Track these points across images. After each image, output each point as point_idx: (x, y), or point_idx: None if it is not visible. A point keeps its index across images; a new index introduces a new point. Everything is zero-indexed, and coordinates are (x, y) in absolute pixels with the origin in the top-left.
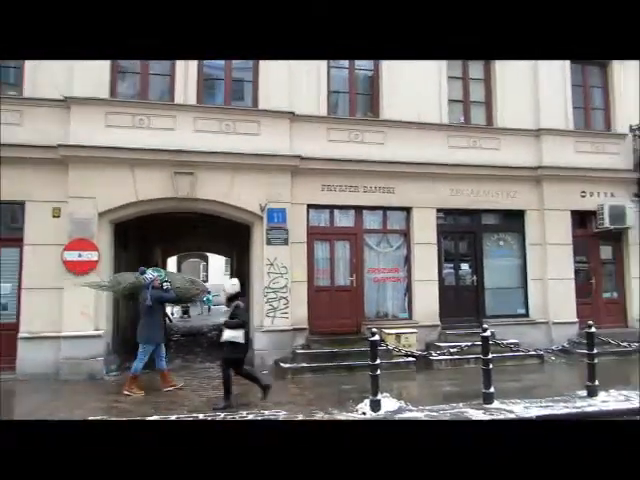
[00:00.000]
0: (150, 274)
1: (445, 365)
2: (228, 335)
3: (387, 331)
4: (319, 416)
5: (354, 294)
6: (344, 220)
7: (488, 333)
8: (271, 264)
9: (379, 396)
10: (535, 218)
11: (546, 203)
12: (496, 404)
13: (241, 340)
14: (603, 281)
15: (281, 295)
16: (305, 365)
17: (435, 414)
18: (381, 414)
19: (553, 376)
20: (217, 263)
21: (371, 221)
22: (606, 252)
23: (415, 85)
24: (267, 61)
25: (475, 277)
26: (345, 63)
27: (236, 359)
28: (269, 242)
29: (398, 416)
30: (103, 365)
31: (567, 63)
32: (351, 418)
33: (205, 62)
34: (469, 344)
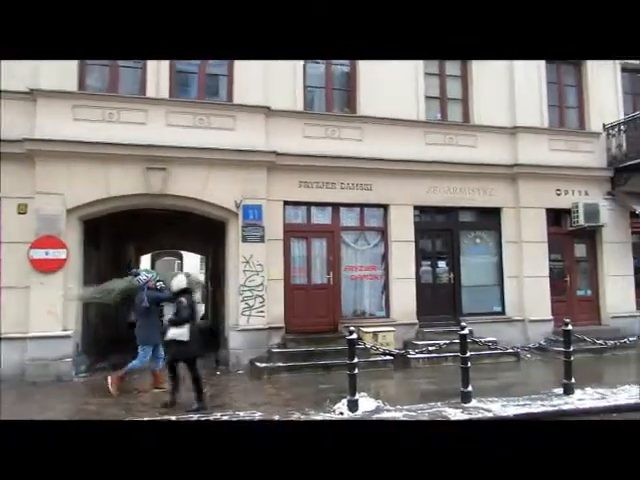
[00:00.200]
0: (144, 275)
1: (423, 363)
2: (172, 333)
3: (364, 329)
4: (295, 417)
5: (331, 292)
6: (321, 217)
7: (466, 331)
8: (247, 262)
9: (357, 396)
10: (511, 216)
11: (522, 201)
12: (474, 403)
13: (185, 338)
14: (577, 279)
15: (257, 293)
16: (281, 364)
17: (413, 414)
18: (359, 414)
19: (529, 374)
20: (192, 261)
21: (348, 218)
22: (580, 250)
23: (392, 81)
24: None
25: (452, 275)
26: None
27: (185, 358)
28: (245, 239)
29: (376, 416)
30: (72, 366)
31: (542, 61)
32: (329, 419)
33: None
34: (447, 342)
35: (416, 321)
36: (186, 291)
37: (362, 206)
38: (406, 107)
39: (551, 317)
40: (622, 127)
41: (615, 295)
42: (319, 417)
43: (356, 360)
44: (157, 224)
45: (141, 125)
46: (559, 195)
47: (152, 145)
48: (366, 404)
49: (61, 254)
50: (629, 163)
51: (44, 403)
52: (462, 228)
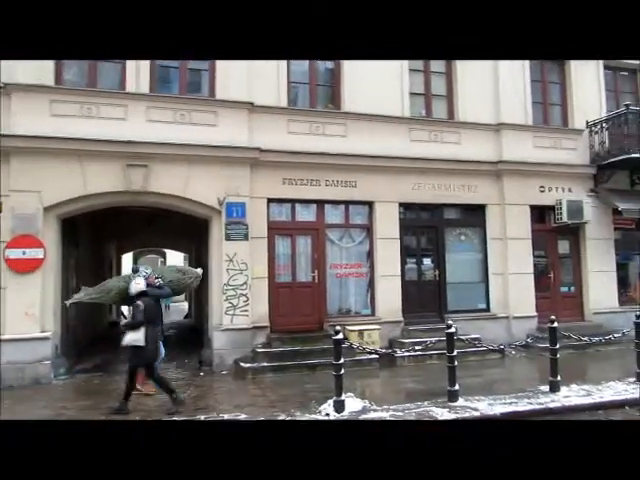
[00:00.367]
0: (143, 272)
1: (408, 361)
2: (128, 338)
3: (350, 328)
4: (281, 419)
5: (316, 290)
6: (306, 214)
7: (453, 329)
8: (230, 260)
9: (343, 396)
10: (496, 213)
11: (506, 198)
12: (461, 402)
13: (141, 343)
14: (561, 275)
15: (241, 292)
16: (266, 364)
17: (400, 414)
18: (345, 415)
19: (515, 371)
20: (175, 259)
21: (333, 215)
22: (564, 246)
23: (377, 77)
24: None
25: (437, 272)
26: None
27: (144, 364)
28: (228, 237)
29: (363, 417)
30: (51, 368)
31: None
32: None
33: None
34: (434, 340)
35: (401, 319)
36: (144, 294)
37: (347, 203)
38: (391, 103)
39: (535, 314)
40: (605, 124)
41: (598, 291)
42: (305, 419)
43: (342, 360)
44: (139, 222)
45: (121, 121)
46: (543, 192)
47: (132, 141)
48: (352, 404)
49: (38, 254)
50: (612, 160)
51: (19, 407)
52: (447, 225)
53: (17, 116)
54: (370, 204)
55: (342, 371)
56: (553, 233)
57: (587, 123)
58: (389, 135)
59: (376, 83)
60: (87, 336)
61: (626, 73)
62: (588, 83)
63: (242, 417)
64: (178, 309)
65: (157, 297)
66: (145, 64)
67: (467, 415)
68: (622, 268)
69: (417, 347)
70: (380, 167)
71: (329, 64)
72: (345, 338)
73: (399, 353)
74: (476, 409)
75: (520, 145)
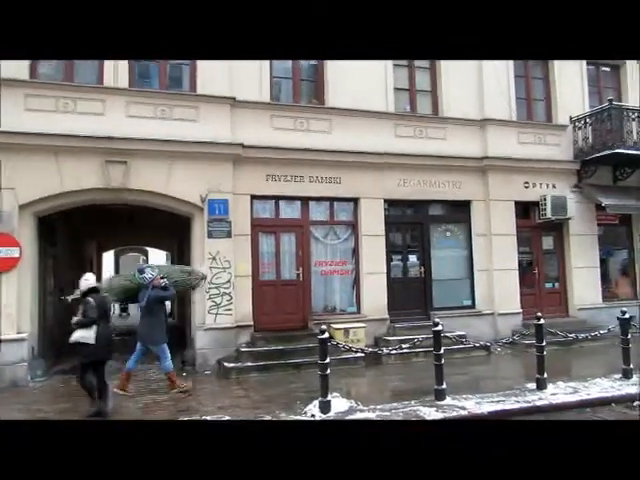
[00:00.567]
0: (150, 273)
1: (394, 360)
2: (77, 336)
3: (335, 326)
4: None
5: (301, 288)
6: (290, 211)
7: (440, 327)
8: (213, 258)
9: (329, 397)
10: (481, 209)
11: (491, 194)
12: (448, 400)
13: (91, 341)
14: (545, 271)
15: (224, 291)
16: (250, 364)
17: (387, 413)
18: (331, 415)
19: (501, 368)
20: (157, 258)
21: (318, 212)
22: (548, 242)
23: (361, 72)
24: None
25: (422, 269)
26: None
27: (91, 362)
28: (210, 235)
29: (349, 417)
30: (27, 371)
31: None
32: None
33: None
34: (421, 339)
35: (387, 316)
36: (94, 290)
37: (332, 200)
38: (375, 99)
39: (520, 310)
40: (588, 120)
41: (582, 287)
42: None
43: (328, 360)
44: (120, 220)
45: (99, 116)
46: (527, 188)
47: (111, 137)
48: (338, 405)
49: (14, 253)
50: (595, 156)
51: None
52: (432, 221)
53: None
54: (355, 200)
55: (328, 371)
56: (537, 229)
57: (571, 119)
58: (374, 131)
59: (360, 78)
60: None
61: (608, 69)
62: (571, 78)
63: (226, 419)
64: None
65: (161, 299)
66: None
67: (455, 414)
68: (604, 264)
69: (404, 345)
70: (365, 163)
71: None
72: (330, 337)
73: (385, 352)
74: (464, 408)
75: (505, 141)
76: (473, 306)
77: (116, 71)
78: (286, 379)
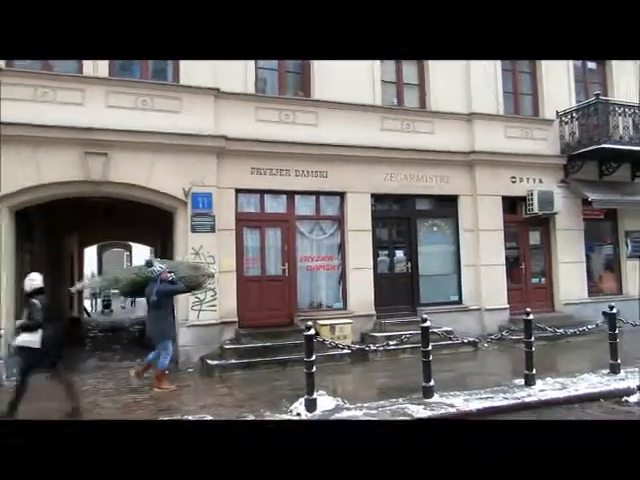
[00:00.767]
0: (158, 267)
1: (381, 356)
2: (21, 339)
3: (321, 322)
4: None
5: (286, 284)
6: (275, 206)
7: (428, 323)
8: (196, 253)
9: (315, 395)
10: (468, 203)
11: (478, 188)
12: (436, 398)
13: (36, 345)
14: (532, 266)
15: (208, 286)
16: (234, 361)
17: (374, 412)
18: (317, 414)
19: (488, 364)
20: (141, 253)
21: (304, 207)
22: (534, 237)
23: (347, 64)
24: None
25: (409, 264)
26: None
27: (36, 367)
28: (194, 229)
29: (336, 416)
30: (3, 369)
31: None
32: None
33: None
34: (409, 335)
35: (374, 312)
36: (40, 292)
37: (318, 194)
38: (362, 91)
39: (507, 305)
40: (575, 114)
41: (568, 282)
42: (274, 419)
43: (314, 357)
44: (101, 214)
45: (78, 106)
46: (514, 183)
47: (91, 128)
48: (325, 403)
49: None
50: (582, 150)
51: None
52: (419, 216)
53: None
54: (341, 195)
55: (314, 369)
56: (524, 224)
57: (557, 113)
58: (361, 124)
59: (347, 70)
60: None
61: (594, 64)
62: (558, 72)
63: (208, 419)
64: (143, 304)
65: (170, 293)
66: None
67: (443, 412)
68: (589, 259)
69: (391, 342)
70: (352, 157)
71: None
72: (316, 333)
73: (372, 348)
74: (452, 405)
75: (492, 135)
76: (460, 302)
77: (96, 60)
78: (271, 376)
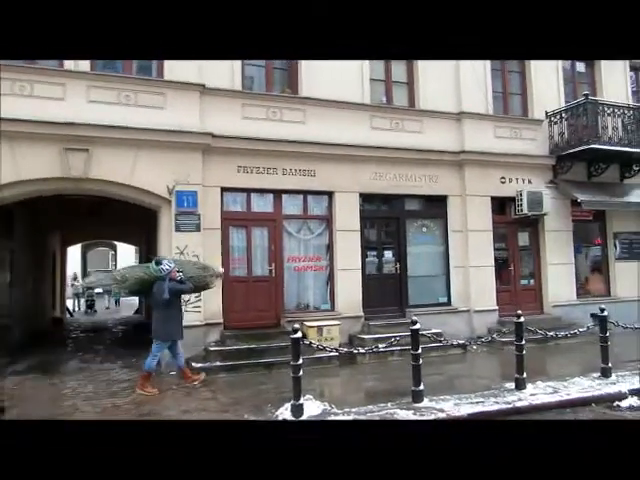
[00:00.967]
0: (167, 265)
1: (369, 359)
2: None
3: (308, 324)
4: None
5: (273, 285)
6: (262, 205)
7: (418, 326)
8: (181, 253)
9: (301, 399)
10: (457, 204)
11: (468, 188)
12: (426, 402)
13: None
14: (521, 267)
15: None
16: (219, 364)
17: (363, 417)
18: (303, 420)
19: (478, 367)
20: (126, 252)
21: (291, 206)
22: (523, 238)
23: (336, 61)
24: None
25: (398, 265)
26: None
27: None
28: (178, 228)
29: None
30: None
31: None
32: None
33: None
34: (398, 337)
35: (362, 314)
36: None
37: (305, 193)
38: (351, 89)
39: (496, 307)
40: (564, 114)
41: (556, 284)
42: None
43: (300, 361)
44: (85, 212)
45: (59, 101)
46: (503, 183)
47: (71, 123)
48: (311, 408)
49: None
50: (571, 151)
51: None
52: (408, 216)
53: None
54: (330, 194)
55: (300, 372)
56: (513, 225)
57: (546, 113)
58: (349, 122)
59: (335, 67)
60: (24, 334)
61: (583, 64)
62: (547, 72)
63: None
64: (128, 304)
65: (180, 292)
66: None
67: (433, 417)
68: (577, 260)
69: (380, 345)
70: (340, 155)
71: None
72: (304, 335)
73: (362, 351)
74: (442, 410)
75: (481, 135)
76: (449, 303)
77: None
78: (256, 380)
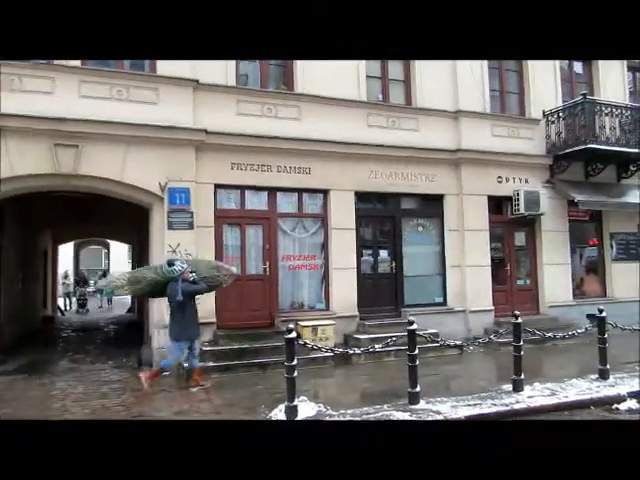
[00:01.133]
0: (179, 266)
1: (364, 359)
2: None
3: (303, 323)
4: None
5: (267, 284)
6: (256, 202)
7: (415, 326)
8: (173, 251)
9: (296, 401)
10: (454, 203)
11: (464, 188)
12: (422, 404)
13: None
14: (517, 268)
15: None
16: (212, 364)
17: (358, 419)
18: (299, 419)
19: (475, 368)
20: (119, 251)
21: (286, 204)
22: (520, 238)
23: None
24: None
25: (394, 264)
26: None
27: None
28: (171, 226)
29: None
30: None
31: None
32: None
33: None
34: (394, 337)
35: (357, 313)
36: None
37: (300, 191)
38: (347, 86)
39: (492, 307)
40: (561, 114)
41: (553, 284)
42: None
43: (295, 362)
44: (77, 210)
45: (48, 95)
46: (500, 182)
47: (61, 118)
48: (306, 409)
49: None
50: (568, 151)
51: None
52: (404, 215)
53: None
54: (325, 192)
55: (295, 373)
56: (510, 225)
57: (544, 112)
58: (345, 120)
59: (331, 64)
60: (15, 334)
61: (581, 63)
62: (544, 71)
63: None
64: (121, 303)
65: (194, 293)
66: None
67: (430, 419)
68: (574, 261)
69: (377, 346)
70: (336, 153)
71: None
72: (298, 335)
73: (357, 352)
74: (439, 412)
75: (478, 133)
76: (445, 303)
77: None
78: (250, 380)
